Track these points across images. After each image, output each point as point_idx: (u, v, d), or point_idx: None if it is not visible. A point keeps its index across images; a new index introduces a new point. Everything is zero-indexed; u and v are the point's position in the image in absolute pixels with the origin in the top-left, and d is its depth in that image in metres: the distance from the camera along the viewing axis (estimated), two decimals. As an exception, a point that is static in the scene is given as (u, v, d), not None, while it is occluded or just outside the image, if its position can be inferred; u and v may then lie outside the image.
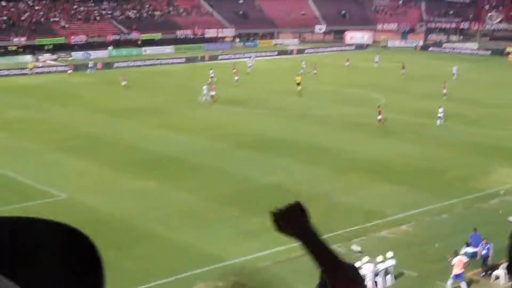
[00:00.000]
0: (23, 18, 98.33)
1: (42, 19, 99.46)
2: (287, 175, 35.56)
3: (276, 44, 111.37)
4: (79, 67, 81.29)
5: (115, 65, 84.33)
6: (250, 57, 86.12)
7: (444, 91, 58.85)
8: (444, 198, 31.91)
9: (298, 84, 61.15)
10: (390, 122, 48.96)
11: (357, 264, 21.95)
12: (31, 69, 77.74)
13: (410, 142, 43.35)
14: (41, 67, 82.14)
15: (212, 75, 68.05)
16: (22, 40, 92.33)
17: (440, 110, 48.35)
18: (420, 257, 25.54)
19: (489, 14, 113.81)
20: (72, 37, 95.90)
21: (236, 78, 67.83)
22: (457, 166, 37.65)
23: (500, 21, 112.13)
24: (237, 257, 25.76)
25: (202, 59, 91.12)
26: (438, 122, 47.83)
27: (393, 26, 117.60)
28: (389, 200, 31.77)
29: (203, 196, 32.38)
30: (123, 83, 64.81)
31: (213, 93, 57.51)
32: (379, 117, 47.51)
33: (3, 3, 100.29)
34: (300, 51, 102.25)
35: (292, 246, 26.50)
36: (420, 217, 29.79)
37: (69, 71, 78.06)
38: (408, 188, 33.63)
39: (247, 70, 76.39)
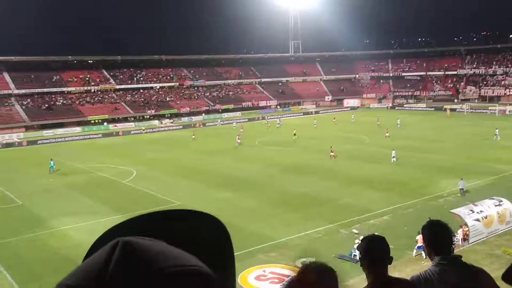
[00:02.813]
0: (152, 98, 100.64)
1: (167, 98, 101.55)
2: (312, 187, 35.05)
3: (302, 108, 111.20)
4: (186, 126, 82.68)
5: (207, 124, 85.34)
6: (278, 119, 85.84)
7: (387, 134, 57.46)
8: (409, 199, 31.06)
9: (294, 134, 60.27)
10: (372, 153, 48.05)
11: (356, 241, 21.45)
12: (143, 130, 78.01)
13: (385, 165, 42.34)
14: (163, 127, 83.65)
15: (235, 125, 74.24)
16: (152, 111, 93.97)
17: (393, 152, 42.63)
18: (396, 236, 24.84)
19: (467, 88, 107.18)
20: (181, 109, 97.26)
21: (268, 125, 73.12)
22: (416, 179, 36.63)
23: (477, 97, 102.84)
24: (283, 237, 25.40)
25: (258, 118, 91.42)
26: (393, 160, 43.06)
27: (372, 95, 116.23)
28: (376, 201, 31.05)
29: (260, 201, 32.21)
30: (193, 137, 64.43)
31: (239, 140, 57.25)
32: (332, 154, 45.77)
33: (141, 90, 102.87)
34: (316, 112, 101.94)
35: (317, 230, 26.08)
36: (395, 211, 29.01)
37: (199, 126, 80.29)
38: (388, 193, 32.80)
39: (276, 125, 76.76)
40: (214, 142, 62.10)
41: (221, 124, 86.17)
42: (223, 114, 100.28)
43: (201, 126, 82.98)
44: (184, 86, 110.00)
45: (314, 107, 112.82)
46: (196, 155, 52.03)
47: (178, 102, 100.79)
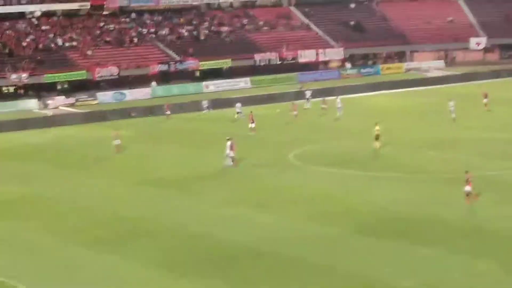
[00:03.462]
0: (24, 43, 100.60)
1: (53, 45, 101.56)
2: (438, 275, 34.44)
3: (409, 70, 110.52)
4: (107, 115, 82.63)
5: (173, 111, 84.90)
6: (307, 99, 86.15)
7: None
8: None
9: (377, 138, 60.51)
10: None
11: None
12: None
13: None
14: (52, 116, 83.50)
15: (239, 110, 78.51)
16: (24, 76, 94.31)
17: None
18: None
19: None
20: (97, 69, 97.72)
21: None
22: None
23: None
24: None
25: (296, 96, 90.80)
26: None
27: None
28: None
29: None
30: (116, 141, 64.78)
31: (231, 153, 57.59)
32: (468, 188, 45.22)
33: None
34: (446, 79, 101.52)
35: None
36: None
37: (168, 112, 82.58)
38: None
39: (337, 113, 77.30)
40: (174, 157, 62.12)
41: (207, 109, 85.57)
42: (204, 83, 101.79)
43: (169, 112, 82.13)
44: (105, 13, 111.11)
45: (441, 65, 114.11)
46: (137, 190, 52.18)
47: (89, 54, 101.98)
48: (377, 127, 60.82)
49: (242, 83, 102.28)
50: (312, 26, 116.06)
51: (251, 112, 72.27)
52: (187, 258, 38.41)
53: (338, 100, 78.93)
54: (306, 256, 37.77)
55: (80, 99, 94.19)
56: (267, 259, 37.50)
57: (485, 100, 76.83)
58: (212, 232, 42.06)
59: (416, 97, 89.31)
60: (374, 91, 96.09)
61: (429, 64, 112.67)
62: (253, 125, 69.63)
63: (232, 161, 57.40)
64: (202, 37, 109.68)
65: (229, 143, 57.70)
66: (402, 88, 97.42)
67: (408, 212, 44.15)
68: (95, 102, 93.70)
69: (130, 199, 50.26)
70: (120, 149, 63.89)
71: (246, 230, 42.10)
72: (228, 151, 57.46)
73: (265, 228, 42.32)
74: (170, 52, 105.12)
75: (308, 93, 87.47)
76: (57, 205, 49.06)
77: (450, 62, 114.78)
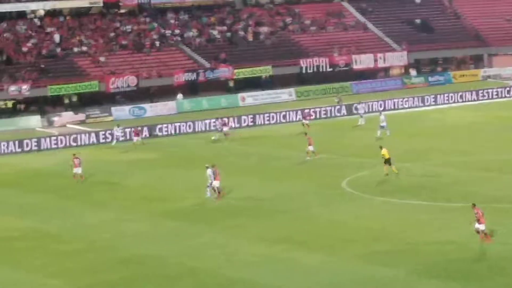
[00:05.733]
0: (25, 49, 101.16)
1: (58, 50, 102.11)
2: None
3: (488, 77, 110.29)
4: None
5: (195, 127, 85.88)
6: (360, 114, 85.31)
7: None
8: None
9: (387, 161, 60.73)
10: None
11: None
12: None
13: None
14: (57, 135, 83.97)
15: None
16: (24, 88, 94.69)
17: None
18: None
19: None
20: (112, 80, 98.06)
21: None
22: None
23: None
24: None
25: (349, 110, 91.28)
26: None
27: None
28: None
29: None
30: (76, 170, 64.70)
31: (215, 183, 57.31)
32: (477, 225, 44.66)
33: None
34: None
35: None
36: None
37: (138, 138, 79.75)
38: None
39: (378, 133, 77.17)
40: (230, 181, 61.45)
41: (236, 127, 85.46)
42: (240, 95, 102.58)
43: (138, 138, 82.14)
44: (122, 12, 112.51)
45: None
46: (158, 226, 52.06)
47: (102, 61, 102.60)
48: (383, 151, 61.29)
49: (286, 95, 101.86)
50: (370, 25, 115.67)
51: (308, 127, 71.85)
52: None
53: (382, 117, 78.84)
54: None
55: (92, 115, 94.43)
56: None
57: None
58: (250, 278, 41.90)
59: (496, 111, 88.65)
60: (445, 103, 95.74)
61: (511, 70, 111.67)
62: (311, 148, 69.79)
63: (218, 192, 57.18)
64: (237, 40, 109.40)
65: (209, 170, 57.67)
66: (478, 99, 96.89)
67: (487, 250, 43.72)
68: (110, 118, 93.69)
69: (148, 235, 50.31)
70: (82, 178, 64.61)
71: (289, 274, 41.54)
72: (210, 180, 57.30)
73: (311, 272, 41.83)
74: (199, 58, 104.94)
75: (361, 108, 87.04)
76: (61, 243, 48.79)
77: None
